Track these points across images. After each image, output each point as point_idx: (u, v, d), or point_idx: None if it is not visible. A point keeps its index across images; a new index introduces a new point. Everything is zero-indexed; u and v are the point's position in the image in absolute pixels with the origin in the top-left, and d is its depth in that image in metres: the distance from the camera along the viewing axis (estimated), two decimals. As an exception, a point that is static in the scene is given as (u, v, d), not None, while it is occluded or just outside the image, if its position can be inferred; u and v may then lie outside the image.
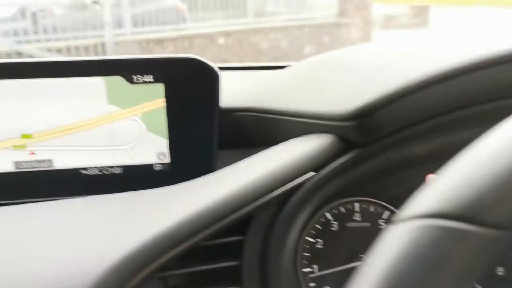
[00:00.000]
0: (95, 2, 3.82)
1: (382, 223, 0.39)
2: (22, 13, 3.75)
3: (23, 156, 0.43)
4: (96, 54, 3.80)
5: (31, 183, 0.43)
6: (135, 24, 4.14)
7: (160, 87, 0.43)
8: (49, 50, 3.68)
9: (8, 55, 3.49)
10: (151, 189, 0.38)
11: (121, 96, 0.43)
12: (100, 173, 0.44)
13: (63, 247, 0.30)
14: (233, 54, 4.42)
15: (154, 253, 0.29)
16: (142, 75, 0.43)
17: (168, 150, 0.44)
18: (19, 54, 3.53)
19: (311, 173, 0.37)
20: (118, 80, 0.43)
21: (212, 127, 0.44)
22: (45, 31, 3.76)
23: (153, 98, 0.43)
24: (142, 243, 0.29)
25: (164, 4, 4.35)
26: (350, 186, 0.39)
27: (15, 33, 3.64)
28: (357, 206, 0.40)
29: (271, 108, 0.44)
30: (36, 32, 3.73)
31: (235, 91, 0.47)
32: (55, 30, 3.79)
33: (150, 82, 0.43)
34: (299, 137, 0.41)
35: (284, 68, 0.52)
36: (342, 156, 0.38)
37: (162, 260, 0.29)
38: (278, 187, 0.35)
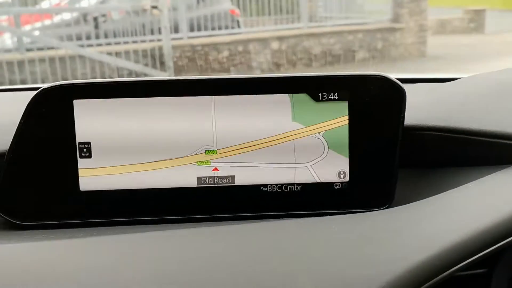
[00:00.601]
0: (154, 7, 3.89)
1: None
2: (84, 18, 3.86)
3: (207, 172, 0.43)
4: (153, 58, 3.87)
5: (213, 199, 0.43)
6: (191, 29, 4.20)
7: (344, 105, 0.42)
8: (109, 53, 3.78)
9: (72, 58, 3.59)
10: (371, 212, 0.36)
11: (305, 113, 0.42)
12: (279, 190, 0.43)
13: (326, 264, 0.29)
14: (287, 59, 4.42)
15: (414, 283, 0.28)
16: (328, 93, 0.42)
17: (349, 169, 0.43)
18: (82, 57, 3.63)
19: None
20: (303, 97, 0.42)
21: (395, 147, 0.43)
22: (106, 35, 3.85)
23: (336, 115, 0.43)
24: (401, 272, 0.28)
25: (219, 9, 4.39)
26: None
27: (78, 37, 3.74)
28: None
29: (458, 127, 0.42)
30: (97, 36, 3.83)
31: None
32: (115, 34, 3.88)
33: (334, 99, 0.42)
34: None
35: (452, 82, 0.50)
36: None
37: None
38: None
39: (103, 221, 0.42)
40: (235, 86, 0.42)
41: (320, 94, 0.42)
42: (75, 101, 0.41)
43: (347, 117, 0.43)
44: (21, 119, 0.41)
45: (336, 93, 0.42)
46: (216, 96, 0.42)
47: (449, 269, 0.29)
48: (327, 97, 0.42)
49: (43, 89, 0.41)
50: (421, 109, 0.46)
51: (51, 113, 0.41)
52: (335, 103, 0.42)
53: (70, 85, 0.41)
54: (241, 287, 0.29)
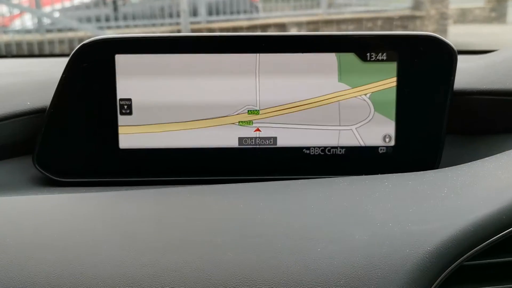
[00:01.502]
0: (173, -10, 3.88)
1: None
2: (104, 0, 3.86)
3: (249, 132, 0.42)
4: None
5: (254, 160, 0.42)
6: (209, 13, 4.18)
7: (392, 66, 0.41)
8: (128, 36, 3.77)
9: (91, 40, 3.59)
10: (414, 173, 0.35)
11: (352, 74, 0.41)
12: (322, 153, 0.42)
13: (365, 224, 0.28)
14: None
15: (477, 238, 0.27)
16: (376, 53, 0.41)
17: (395, 133, 0.42)
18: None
19: None
20: (350, 57, 0.41)
21: (444, 111, 0.41)
22: (125, 18, 3.85)
23: (384, 77, 0.41)
24: (465, 227, 0.27)
25: (238, -7, 4.36)
26: None
27: (97, 19, 3.75)
28: None
29: (510, 89, 0.41)
30: (116, 19, 3.83)
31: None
32: (133, 17, 3.88)
33: (382, 60, 0.41)
34: None
35: (498, 50, 0.49)
36: None
37: (483, 246, 0.27)
38: None
39: (142, 180, 0.42)
40: (281, 43, 0.41)
41: (368, 54, 0.41)
42: (116, 56, 0.40)
43: (395, 79, 0.41)
44: (63, 73, 0.40)
45: (385, 54, 0.41)
46: (261, 54, 0.41)
47: None
48: (375, 57, 0.41)
49: (85, 43, 0.40)
50: (470, 74, 0.45)
51: (92, 68, 0.40)
52: (383, 64, 0.41)
53: (112, 39, 0.40)
54: (294, 240, 0.28)
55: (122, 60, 0.40)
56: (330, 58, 0.41)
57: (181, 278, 0.26)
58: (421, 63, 0.41)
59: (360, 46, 0.41)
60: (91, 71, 0.40)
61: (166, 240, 0.29)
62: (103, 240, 0.29)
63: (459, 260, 0.27)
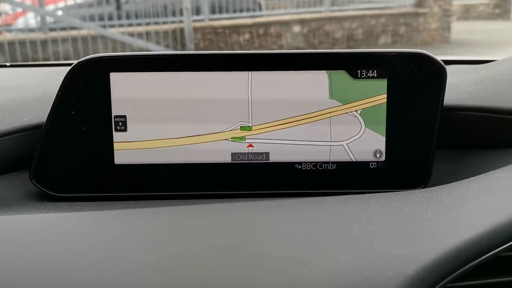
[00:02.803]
0: (176, -11, 3.88)
1: None
2: (107, -2, 3.87)
3: (241, 148, 0.42)
4: (175, 40, 3.87)
5: (247, 175, 0.43)
6: (212, 11, 4.18)
7: (382, 83, 0.42)
8: (130, 34, 3.78)
9: (94, 38, 3.61)
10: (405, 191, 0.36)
11: (342, 91, 0.42)
12: (313, 168, 0.43)
13: (354, 244, 0.29)
14: (308, 43, 4.39)
15: (459, 262, 0.27)
16: (367, 70, 0.41)
17: (385, 148, 0.43)
18: (103, 38, 3.65)
19: None
20: (341, 74, 0.41)
21: (434, 127, 0.42)
22: (128, 16, 3.86)
23: (374, 93, 0.42)
24: (447, 251, 0.27)
25: (241, -9, 4.36)
26: None
27: (100, 18, 3.75)
28: None
29: (499, 107, 0.41)
30: (119, 17, 3.84)
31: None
32: (136, 15, 3.88)
33: (373, 77, 0.42)
34: None
35: (492, 63, 0.49)
36: None
37: (464, 269, 0.27)
38: None
39: (137, 195, 0.42)
40: (272, 61, 0.41)
41: (358, 71, 0.41)
42: (111, 74, 0.41)
43: (385, 95, 0.42)
44: (58, 91, 0.41)
45: (375, 71, 0.41)
46: (253, 72, 0.41)
47: (496, 249, 0.28)
48: (366, 74, 0.41)
49: (80, 61, 0.41)
50: (460, 89, 0.45)
51: (87, 86, 0.41)
52: (373, 80, 0.42)
53: (106, 57, 0.41)
54: (281, 261, 0.29)
55: (116, 78, 0.41)
56: (321, 76, 0.41)
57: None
58: (411, 80, 0.41)
59: (351, 64, 0.41)
60: (86, 89, 0.41)
61: (157, 261, 0.30)
62: (95, 260, 0.30)
63: (441, 283, 0.28)
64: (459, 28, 5.27)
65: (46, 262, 0.30)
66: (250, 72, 0.41)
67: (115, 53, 0.41)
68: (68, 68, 0.41)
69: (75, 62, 0.41)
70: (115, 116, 0.42)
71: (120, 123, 0.42)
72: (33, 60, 3.42)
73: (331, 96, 0.42)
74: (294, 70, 0.41)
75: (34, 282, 0.28)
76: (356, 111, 0.42)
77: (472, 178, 0.36)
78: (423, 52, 0.41)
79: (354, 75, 0.41)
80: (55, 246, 0.31)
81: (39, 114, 0.43)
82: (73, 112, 0.41)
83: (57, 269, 0.29)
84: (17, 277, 0.29)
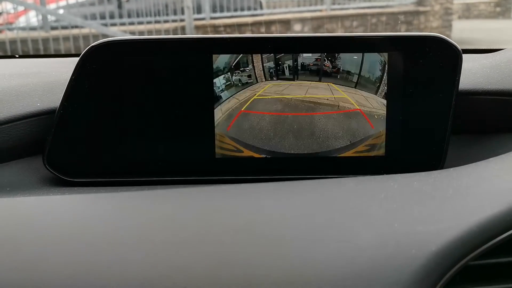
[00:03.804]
0: (177, -13, 3.88)
1: None
2: (108, -3, 3.87)
3: (255, 132, 0.42)
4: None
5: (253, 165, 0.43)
6: (213, 9, 4.18)
7: (397, 67, 0.41)
8: (132, 33, 3.78)
9: (95, 36, 3.61)
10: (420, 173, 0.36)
11: (356, 74, 0.41)
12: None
13: (370, 224, 0.29)
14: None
15: (483, 238, 0.27)
16: (382, 54, 0.41)
17: (401, 131, 0.42)
18: (105, 36, 3.64)
19: None
20: (356, 58, 0.41)
21: (449, 111, 0.41)
22: (129, 15, 3.86)
23: (389, 78, 0.42)
24: (470, 227, 0.27)
25: (242, -10, 4.35)
26: None
27: (102, 16, 3.75)
28: None
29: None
30: (120, 16, 3.84)
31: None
32: (138, 14, 3.88)
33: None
34: None
35: (502, 50, 0.49)
36: None
37: (488, 246, 0.27)
38: None
39: (151, 180, 0.42)
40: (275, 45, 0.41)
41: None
42: (125, 57, 0.41)
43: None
44: (72, 75, 0.40)
45: (387, 54, 0.41)
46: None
47: None
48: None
49: (93, 45, 0.40)
50: (474, 74, 0.45)
51: (101, 70, 0.41)
52: (388, 65, 0.41)
53: (120, 41, 0.41)
54: (302, 241, 0.29)
55: (130, 61, 0.41)
56: (335, 59, 0.41)
57: (190, 278, 0.27)
58: (427, 64, 0.41)
59: (366, 48, 0.41)
60: (100, 73, 0.41)
61: (175, 241, 0.29)
62: (114, 241, 0.29)
63: (464, 260, 0.27)
64: (460, 27, 5.27)
65: (62, 244, 0.29)
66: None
67: (129, 37, 0.41)
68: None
69: (89, 46, 0.41)
70: None
71: None
72: (35, 59, 3.41)
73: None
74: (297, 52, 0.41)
75: (50, 263, 0.28)
76: (371, 95, 0.42)
77: (491, 159, 0.35)
78: (438, 35, 0.41)
79: (370, 59, 0.41)
80: (71, 227, 0.31)
81: (52, 99, 0.43)
82: (86, 97, 0.41)
83: (73, 251, 0.29)
84: (34, 259, 0.28)
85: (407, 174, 0.35)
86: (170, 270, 0.27)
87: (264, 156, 0.42)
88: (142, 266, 0.28)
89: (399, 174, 0.35)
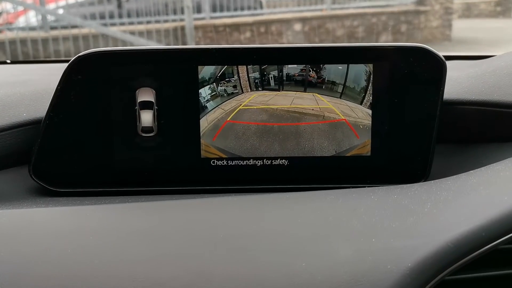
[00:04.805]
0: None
1: None
2: (108, -3, 3.87)
3: (241, 142, 0.42)
4: (176, 38, 3.87)
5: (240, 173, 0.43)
6: (213, 9, 4.18)
7: (382, 77, 0.41)
8: (131, 32, 3.79)
9: (95, 36, 3.61)
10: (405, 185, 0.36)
11: (342, 85, 0.42)
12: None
13: (352, 239, 0.29)
14: (309, 41, 4.38)
15: (458, 254, 0.27)
16: (366, 64, 0.41)
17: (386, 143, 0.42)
18: (105, 36, 3.65)
19: None
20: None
21: (434, 121, 0.42)
22: (129, 15, 3.86)
23: (374, 88, 0.42)
24: (445, 243, 0.27)
25: (242, -11, 4.35)
26: None
27: (101, 16, 3.76)
28: None
29: (500, 101, 0.41)
30: (120, 16, 3.84)
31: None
32: (137, 13, 3.89)
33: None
34: None
35: (491, 58, 0.49)
36: None
37: (463, 262, 0.27)
38: None
39: (136, 190, 0.42)
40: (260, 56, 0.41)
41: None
42: (111, 68, 0.41)
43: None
44: (58, 85, 0.41)
45: (372, 65, 0.41)
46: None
47: (495, 241, 0.28)
48: (365, 68, 0.41)
49: (79, 56, 0.41)
50: (460, 83, 0.45)
51: (87, 80, 0.41)
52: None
53: (106, 52, 0.41)
54: (280, 254, 0.29)
55: (116, 72, 0.41)
56: (320, 70, 0.41)
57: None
58: (411, 74, 0.41)
59: (349, 58, 0.41)
60: (86, 83, 0.41)
61: (156, 254, 0.30)
62: (94, 254, 0.30)
63: (440, 275, 0.28)
64: (460, 26, 5.27)
65: (46, 256, 0.29)
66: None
67: (115, 48, 0.41)
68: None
69: (75, 56, 0.41)
70: None
71: None
72: (34, 58, 3.42)
73: (330, 90, 0.42)
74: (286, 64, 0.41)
75: (33, 276, 0.28)
76: (356, 105, 0.42)
77: (471, 171, 0.36)
78: (422, 45, 0.41)
79: (352, 70, 0.41)
80: (55, 240, 0.31)
81: (39, 109, 0.43)
82: (72, 107, 0.41)
83: (57, 263, 0.29)
84: (17, 271, 0.29)
85: (388, 187, 0.35)
86: (149, 284, 0.28)
87: (250, 165, 0.42)
88: (122, 280, 0.28)
89: (380, 187, 0.35)
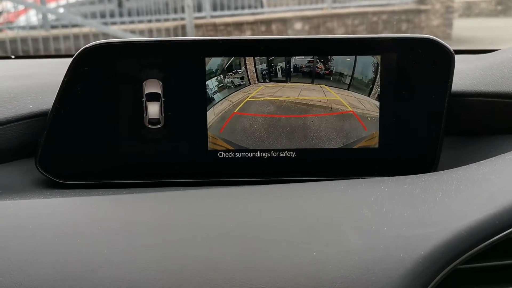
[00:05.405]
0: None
1: None
2: (108, -5, 3.87)
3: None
4: (176, 37, 3.86)
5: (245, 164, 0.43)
6: (214, 8, 4.17)
7: (390, 68, 0.41)
8: (132, 31, 3.78)
9: (95, 35, 3.61)
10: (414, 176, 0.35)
11: (349, 76, 0.41)
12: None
13: (360, 229, 0.29)
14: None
15: (471, 242, 0.27)
16: (374, 56, 0.41)
17: (394, 135, 0.42)
18: (105, 35, 3.65)
19: None
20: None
21: (442, 113, 0.41)
22: (129, 14, 3.86)
23: (381, 79, 0.41)
24: (458, 231, 0.27)
25: (242, -12, 4.35)
26: None
27: (102, 15, 3.76)
28: None
29: (508, 92, 0.41)
30: (120, 15, 3.84)
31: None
32: (138, 12, 3.88)
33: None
34: None
35: (497, 51, 0.49)
36: None
37: (476, 250, 0.27)
38: None
39: (142, 182, 0.42)
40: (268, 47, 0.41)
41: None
42: (118, 60, 0.41)
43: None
44: (64, 77, 0.40)
45: (380, 56, 0.41)
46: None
47: (508, 230, 0.28)
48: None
49: (86, 47, 0.40)
50: (468, 75, 0.45)
51: (93, 72, 0.41)
52: (380, 66, 0.41)
53: (113, 43, 0.41)
54: (290, 244, 0.29)
55: (123, 64, 0.41)
56: (328, 61, 0.41)
57: (179, 282, 0.27)
58: (419, 65, 0.41)
59: (359, 50, 0.41)
60: (92, 75, 0.41)
61: (164, 244, 0.29)
62: (103, 244, 0.29)
63: (453, 264, 0.27)
64: (461, 25, 5.25)
65: (55, 246, 0.29)
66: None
67: (121, 39, 0.41)
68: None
69: (81, 48, 0.41)
70: None
71: None
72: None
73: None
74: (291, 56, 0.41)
75: (41, 266, 0.28)
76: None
77: (481, 161, 0.35)
78: (430, 37, 0.41)
79: (361, 61, 0.41)
80: (64, 230, 0.31)
81: (45, 101, 0.43)
82: (78, 99, 0.41)
83: (66, 253, 0.29)
84: (24, 261, 0.28)
85: (398, 177, 0.35)
86: (159, 273, 0.27)
87: (257, 157, 0.42)
88: (130, 269, 0.28)
89: (390, 177, 0.35)
